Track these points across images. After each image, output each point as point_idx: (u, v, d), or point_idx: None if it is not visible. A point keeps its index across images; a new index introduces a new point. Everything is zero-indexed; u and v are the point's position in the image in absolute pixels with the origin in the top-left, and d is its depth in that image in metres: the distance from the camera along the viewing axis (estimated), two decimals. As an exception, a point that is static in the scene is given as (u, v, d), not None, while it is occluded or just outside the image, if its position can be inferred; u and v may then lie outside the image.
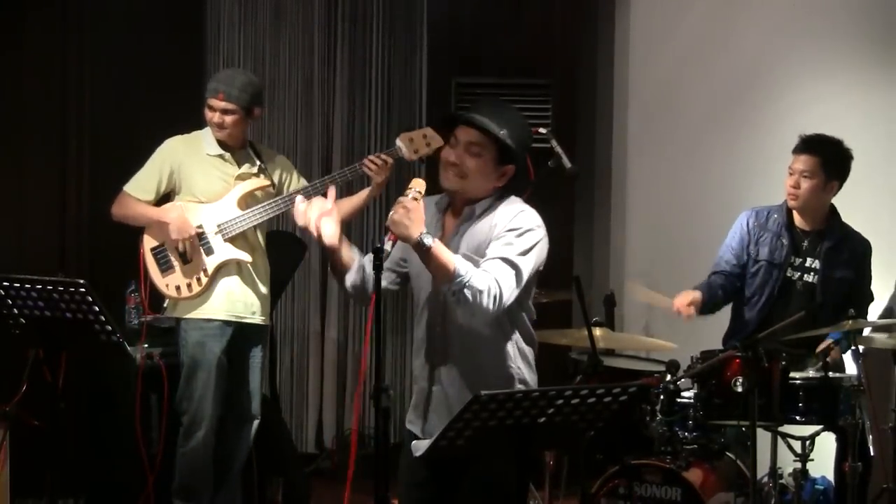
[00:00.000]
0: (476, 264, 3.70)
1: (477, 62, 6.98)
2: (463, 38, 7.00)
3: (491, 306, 3.65)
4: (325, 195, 3.95)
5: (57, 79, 6.52)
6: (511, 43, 6.91)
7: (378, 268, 3.63)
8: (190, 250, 5.20)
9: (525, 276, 3.73)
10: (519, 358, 3.87)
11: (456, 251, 3.77)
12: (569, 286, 5.31)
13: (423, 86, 7.05)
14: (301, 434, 7.07)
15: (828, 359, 4.97)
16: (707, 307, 5.39)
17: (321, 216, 3.84)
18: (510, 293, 3.69)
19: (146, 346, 5.39)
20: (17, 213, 6.43)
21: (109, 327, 4.33)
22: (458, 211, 3.89)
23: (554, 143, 5.17)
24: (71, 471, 5.49)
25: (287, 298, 6.95)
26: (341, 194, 5.44)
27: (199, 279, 5.21)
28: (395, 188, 5.89)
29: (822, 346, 5.11)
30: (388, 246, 3.65)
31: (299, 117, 7.03)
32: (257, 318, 5.34)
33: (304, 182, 5.43)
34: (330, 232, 3.81)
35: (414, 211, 3.61)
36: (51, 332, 4.35)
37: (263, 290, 5.37)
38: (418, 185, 3.69)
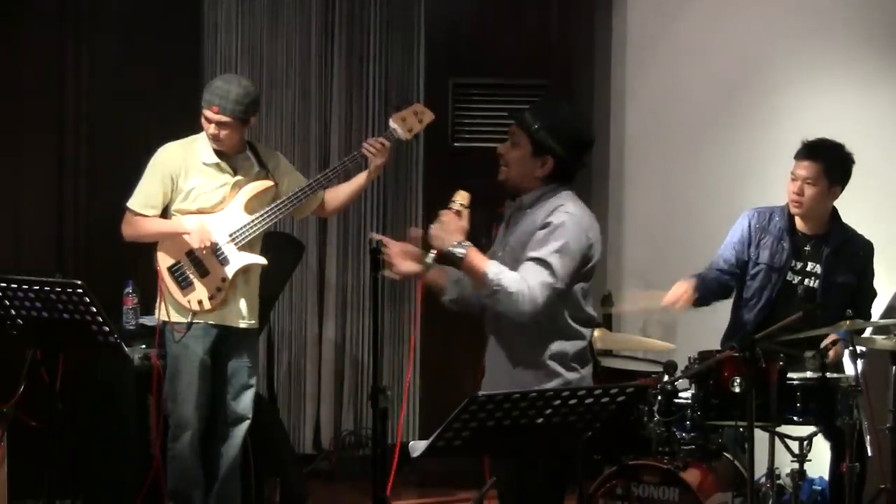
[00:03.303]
0: (519, 260, 3.84)
1: (474, 63, 6.97)
2: (460, 39, 7.00)
3: (525, 308, 3.76)
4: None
5: (54, 78, 6.51)
6: (508, 43, 6.91)
7: (375, 267, 3.64)
8: (207, 261, 5.18)
9: (560, 272, 3.80)
10: (553, 357, 3.91)
11: (507, 244, 3.95)
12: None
13: (420, 86, 7.04)
14: (298, 435, 7.06)
15: (826, 359, 4.97)
16: (700, 299, 5.38)
17: (399, 259, 3.98)
18: (545, 292, 3.78)
19: (143, 346, 5.39)
20: (14, 213, 6.42)
21: (107, 328, 4.33)
22: None
23: (551, 143, 5.16)
24: (69, 471, 5.49)
25: (284, 300, 6.94)
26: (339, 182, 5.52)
27: (219, 289, 5.19)
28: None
29: (827, 340, 5.10)
30: (429, 259, 3.85)
31: (296, 118, 7.02)
32: (245, 323, 5.30)
33: (301, 178, 5.41)
34: (408, 269, 3.97)
35: (450, 223, 3.81)
36: (48, 333, 4.35)
37: (256, 293, 5.35)
38: (461, 197, 3.88)
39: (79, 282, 4.27)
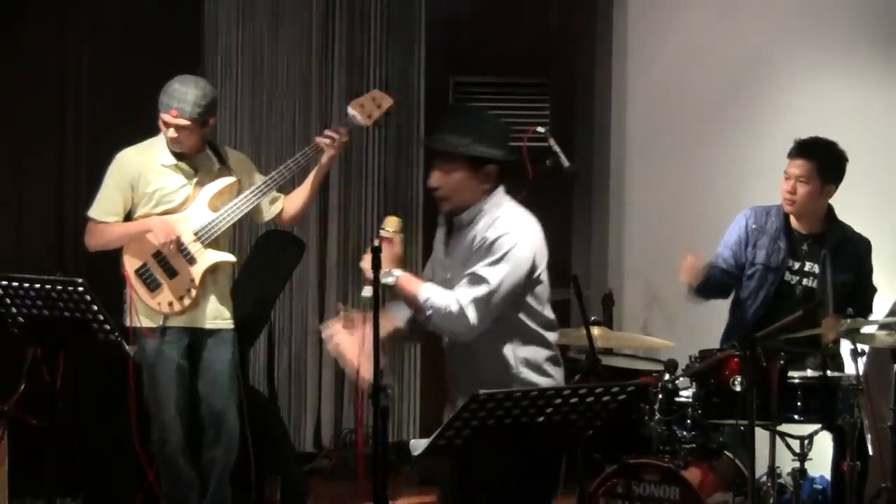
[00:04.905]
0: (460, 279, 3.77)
1: (475, 61, 6.99)
2: (461, 38, 7.01)
3: (459, 328, 3.76)
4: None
5: (55, 78, 6.52)
6: (509, 42, 6.92)
7: (376, 267, 3.64)
8: (173, 261, 5.13)
9: (498, 286, 3.76)
10: (521, 364, 3.88)
11: (452, 264, 3.87)
12: (567, 285, 5.30)
13: (421, 85, 7.05)
14: (299, 433, 7.07)
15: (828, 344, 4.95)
16: (703, 286, 5.36)
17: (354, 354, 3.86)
18: (480, 308, 3.74)
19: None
20: (15, 212, 6.43)
21: (107, 326, 4.33)
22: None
23: (552, 142, 5.16)
24: (69, 470, 5.49)
25: (285, 298, 6.95)
26: (299, 180, 5.44)
27: (189, 290, 5.15)
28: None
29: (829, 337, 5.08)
30: (365, 292, 3.72)
31: (297, 117, 7.03)
32: (217, 323, 5.25)
33: (260, 176, 5.33)
34: (366, 369, 3.79)
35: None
36: (49, 332, 4.34)
37: (227, 292, 5.30)
38: (389, 224, 3.82)
39: (80, 280, 4.27)
